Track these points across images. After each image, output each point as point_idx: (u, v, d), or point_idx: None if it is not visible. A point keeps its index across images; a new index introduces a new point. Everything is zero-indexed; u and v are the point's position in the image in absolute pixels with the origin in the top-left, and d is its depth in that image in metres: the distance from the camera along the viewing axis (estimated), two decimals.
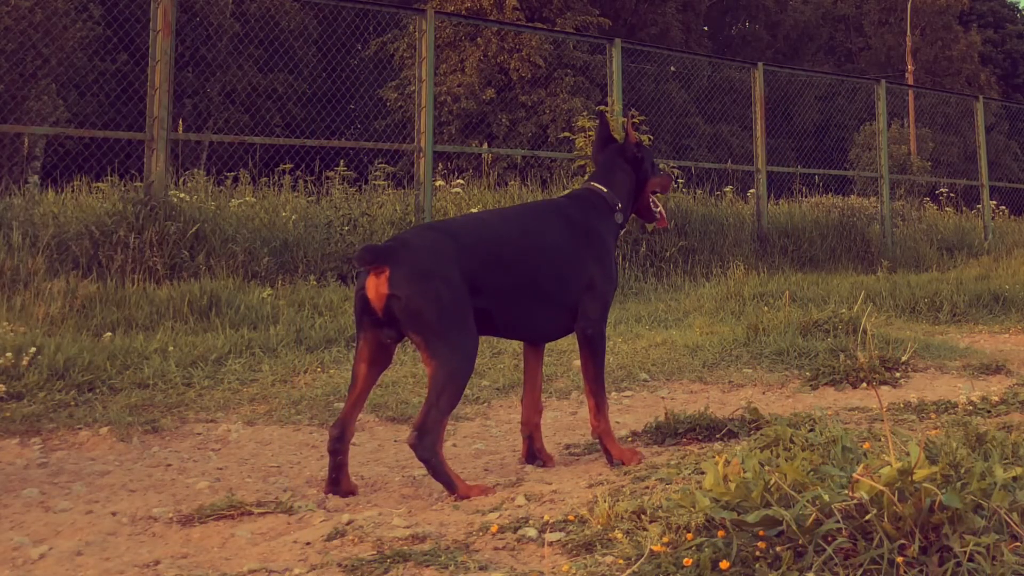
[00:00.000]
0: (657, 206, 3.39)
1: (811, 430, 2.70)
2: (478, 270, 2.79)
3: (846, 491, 1.78)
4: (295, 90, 20.54)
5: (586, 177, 3.47)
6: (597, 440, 3.04)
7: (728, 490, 1.83)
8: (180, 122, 7.09)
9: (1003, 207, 15.62)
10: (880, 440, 2.58)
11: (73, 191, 8.44)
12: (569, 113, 22.03)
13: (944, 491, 1.70)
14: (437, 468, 2.65)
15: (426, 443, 2.63)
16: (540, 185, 10.63)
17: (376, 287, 2.68)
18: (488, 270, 2.82)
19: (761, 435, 2.70)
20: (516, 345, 5.31)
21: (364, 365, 2.79)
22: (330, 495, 2.76)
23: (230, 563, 2.20)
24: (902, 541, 1.68)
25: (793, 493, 1.79)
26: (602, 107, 9.72)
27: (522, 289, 2.89)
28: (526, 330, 3.01)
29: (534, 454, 3.11)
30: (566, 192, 3.36)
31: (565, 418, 3.93)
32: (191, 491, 2.87)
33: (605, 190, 3.21)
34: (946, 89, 27.88)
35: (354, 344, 5.14)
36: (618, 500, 2.31)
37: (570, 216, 3.08)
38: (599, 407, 3.01)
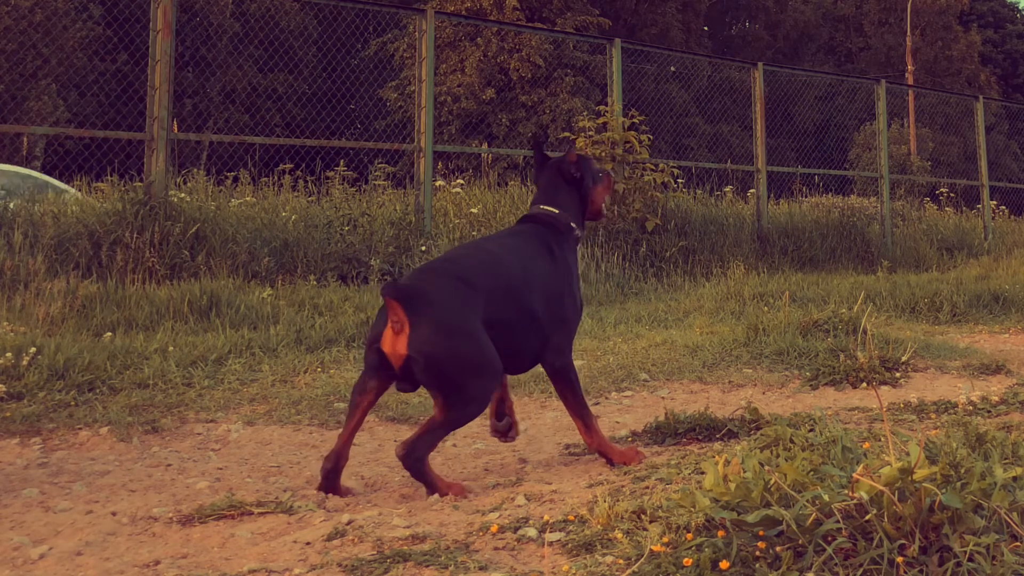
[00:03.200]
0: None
1: (811, 430, 2.70)
2: (491, 311, 2.77)
3: (846, 491, 1.78)
4: (295, 90, 20.55)
5: (529, 200, 3.42)
6: (598, 454, 3.03)
7: (728, 490, 1.83)
8: (175, 122, 7.09)
9: (1003, 207, 15.63)
10: (880, 440, 2.58)
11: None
12: (569, 113, 22.06)
13: (944, 491, 1.70)
14: (422, 472, 2.68)
15: (414, 456, 2.65)
16: None
17: (394, 345, 2.63)
18: (498, 310, 2.79)
19: (761, 435, 2.70)
20: None
21: (366, 402, 2.76)
22: (330, 495, 2.76)
23: (230, 563, 2.20)
24: (902, 541, 1.68)
25: (793, 493, 1.79)
26: (602, 107, 9.72)
27: (520, 324, 2.86)
28: (511, 363, 2.93)
29: (503, 412, 3.06)
30: (524, 216, 3.23)
31: (565, 418, 3.92)
32: (191, 491, 2.87)
33: (557, 211, 3.14)
34: (946, 89, 27.90)
35: (353, 345, 5.16)
36: (618, 500, 2.31)
37: (549, 245, 3.05)
38: (588, 426, 2.99)
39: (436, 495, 2.67)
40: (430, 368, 2.62)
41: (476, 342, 2.68)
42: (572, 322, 3.03)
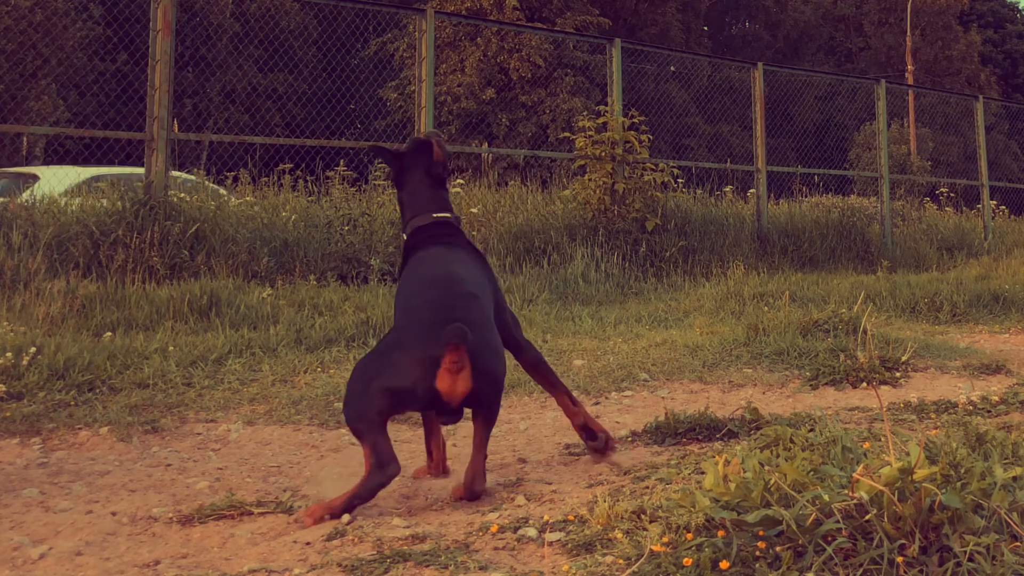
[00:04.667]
0: None
1: (811, 430, 2.70)
2: None
3: (846, 491, 1.78)
4: (295, 90, 20.55)
5: (400, 202, 3.09)
6: (581, 429, 3.08)
7: (728, 490, 1.83)
8: (175, 122, 7.09)
9: (1003, 207, 15.63)
10: (880, 440, 2.58)
11: (73, 191, 8.44)
12: (569, 113, 22.07)
13: (944, 491, 1.70)
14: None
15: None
16: (540, 185, 10.64)
17: (454, 385, 2.56)
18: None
19: (761, 435, 2.70)
20: None
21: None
22: (328, 496, 2.76)
23: (230, 563, 2.20)
24: (902, 541, 1.68)
25: (793, 493, 1.79)
26: (602, 107, 9.72)
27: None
28: None
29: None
30: (431, 225, 3.00)
31: (565, 418, 3.92)
32: (191, 491, 2.87)
33: (449, 215, 3.06)
34: (946, 89, 27.89)
35: (353, 345, 5.15)
36: (618, 500, 2.31)
37: (478, 252, 3.09)
38: (574, 401, 3.11)
39: (440, 497, 2.68)
40: (491, 389, 2.67)
41: (501, 345, 2.80)
42: (514, 318, 3.13)
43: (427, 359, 2.54)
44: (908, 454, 1.78)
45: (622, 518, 2.16)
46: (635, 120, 9.33)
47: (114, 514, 2.62)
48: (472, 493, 2.63)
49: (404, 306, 2.82)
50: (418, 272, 2.89)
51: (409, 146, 3.13)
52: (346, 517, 2.45)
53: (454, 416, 2.67)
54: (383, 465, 2.53)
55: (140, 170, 8.94)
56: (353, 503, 2.50)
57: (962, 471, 1.90)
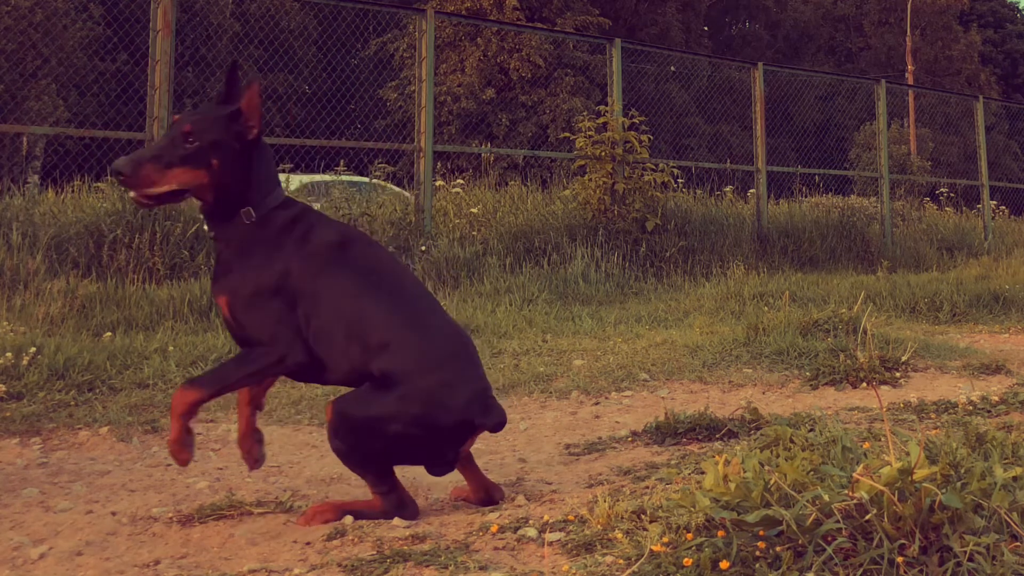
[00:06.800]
0: None
1: (811, 430, 2.70)
2: None
3: (846, 491, 1.78)
4: (295, 90, 20.55)
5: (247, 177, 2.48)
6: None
7: (728, 490, 1.83)
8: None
9: (1003, 207, 15.63)
10: (880, 440, 2.58)
11: (73, 191, 8.44)
12: (569, 113, 22.07)
13: (944, 491, 1.70)
14: None
15: None
16: (540, 185, 10.64)
17: (471, 444, 2.53)
18: None
19: (761, 435, 2.70)
20: (516, 345, 5.30)
21: None
22: (329, 495, 2.76)
23: (230, 563, 2.20)
24: (902, 541, 1.68)
25: (793, 493, 1.79)
26: (602, 107, 9.72)
27: None
28: None
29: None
30: (299, 211, 2.56)
31: (565, 418, 3.93)
32: (191, 491, 2.87)
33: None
34: (946, 89, 27.88)
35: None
36: (618, 500, 2.31)
37: None
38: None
39: (440, 496, 2.67)
40: None
41: None
42: None
43: (472, 427, 2.46)
44: (908, 454, 1.78)
45: (622, 518, 2.16)
46: (635, 120, 9.34)
47: (114, 514, 2.62)
48: (493, 502, 2.59)
49: (399, 334, 2.45)
50: (386, 282, 2.53)
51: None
52: (348, 518, 2.45)
53: (451, 469, 2.53)
54: (403, 506, 2.44)
55: (361, 178, 9.07)
56: (357, 515, 2.42)
57: (962, 471, 1.90)
